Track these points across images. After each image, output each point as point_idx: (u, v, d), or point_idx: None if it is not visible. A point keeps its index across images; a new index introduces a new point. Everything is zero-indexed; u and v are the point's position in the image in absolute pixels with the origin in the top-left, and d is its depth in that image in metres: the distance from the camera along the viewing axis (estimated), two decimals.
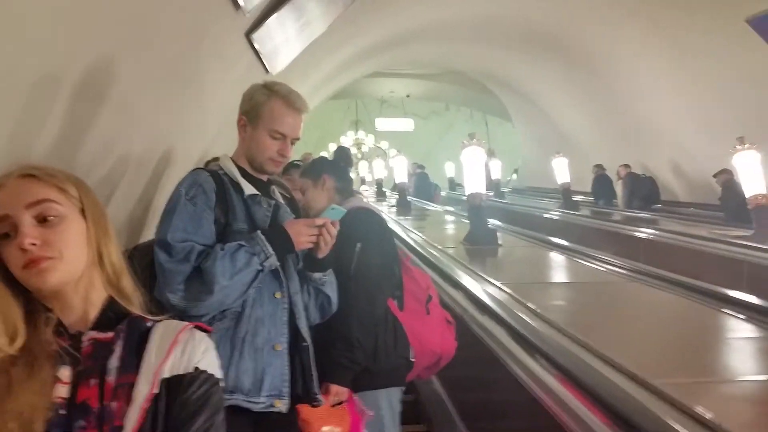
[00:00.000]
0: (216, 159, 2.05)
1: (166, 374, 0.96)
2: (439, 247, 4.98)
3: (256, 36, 3.92)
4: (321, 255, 1.74)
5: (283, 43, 4.62)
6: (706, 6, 7.00)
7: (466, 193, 5.59)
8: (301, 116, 1.78)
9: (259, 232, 1.66)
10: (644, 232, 6.90)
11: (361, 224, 2.20)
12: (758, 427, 1.75)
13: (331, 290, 1.87)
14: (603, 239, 7.23)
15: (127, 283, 1.04)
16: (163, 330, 1.01)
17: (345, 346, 2.03)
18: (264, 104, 1.74)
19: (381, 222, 2.39)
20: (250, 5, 3.36)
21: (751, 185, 6.13)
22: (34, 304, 0.97)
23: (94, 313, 1.00)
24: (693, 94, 8.42)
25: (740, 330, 2.87)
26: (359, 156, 19.44)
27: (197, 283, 1.57)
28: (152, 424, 0.93)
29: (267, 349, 1.67)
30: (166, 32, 2.65)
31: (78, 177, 1.04)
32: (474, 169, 5.45)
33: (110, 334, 0.98)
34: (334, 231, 1.71)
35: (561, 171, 9.88)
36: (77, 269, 0.98)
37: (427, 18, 9.02)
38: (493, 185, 12.93)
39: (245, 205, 1.73)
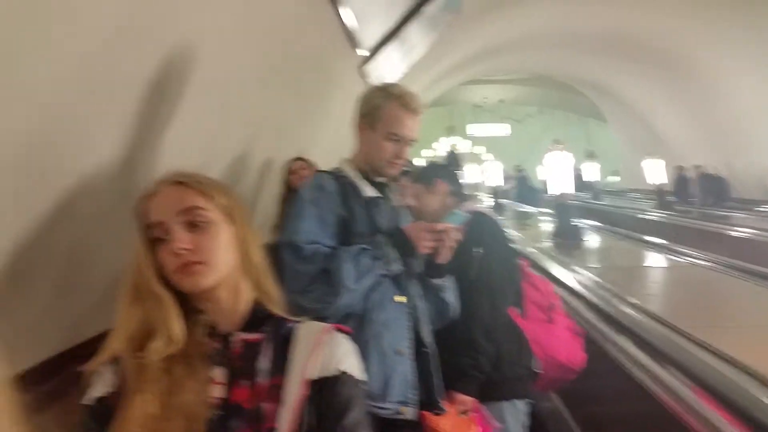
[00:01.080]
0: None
1: (312, 376, 0.98)
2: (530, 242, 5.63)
3: (367, 68, 4.73)
4: (441, 260, 1.69)
5: (389, 69, 5.42)
6: None
7: (550, 194, 6.18)
8: (417, 117, 1.74)
9: (381, 235, 1.65)
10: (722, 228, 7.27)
11: (481, 228, 2.15)
12: None
13: (451, 296, 1.83)
14: (684, 234, 7.48)
15: (270, 283, 1.07)
16: (305, 331, 1.03)
17: (469, 353, 1.98)
18: (381, 107, 1.71)
19: (499, 226, 2.31)
20: (365, 46, 4.17)
21: None
22: (187, 306, 1.00)
23: (242, 314, 1.02)
24: None
25: None
26: None
27: (324, 285, 1.56)
28: (300, 425, 0.94)
29: (391, 353, 1.62)
30: (301, 67, 3.49)
31: (224, 183, 1.08)
32: (559, 172, 6.03)
33: (258, 335, 1.01)
34: (456, 236, 1.67)
35: (653, 172, 10.03)
36: (225, 272, 1.01)
37: (522, 28, 9.51)
38: (587, 187, 13.15)
39: (366, 208, 1.71)
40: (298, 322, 1.05)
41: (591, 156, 18.98)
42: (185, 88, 1.88)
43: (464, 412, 1.92)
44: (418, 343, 1.69)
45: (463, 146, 20.53)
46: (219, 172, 2.65)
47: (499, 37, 9.60)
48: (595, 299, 3.27)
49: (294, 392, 0.95)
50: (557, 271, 4.17)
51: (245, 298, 1.03)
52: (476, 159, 15.49)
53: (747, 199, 10.35)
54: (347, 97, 5.03)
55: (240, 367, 0.97)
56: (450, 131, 21.11)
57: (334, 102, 4.73)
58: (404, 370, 1.63)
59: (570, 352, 2.28)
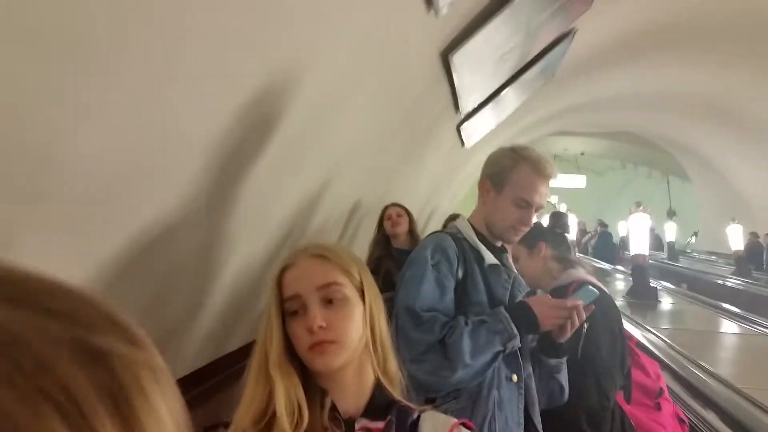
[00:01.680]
0: (454, 218, 2.11)
1: None
2: None
3: (463, 126, 5.24)
4: (563, 339, 1.58)
5: (480, 125, 5.87)
6: None
7: (631, 254, 6.44)
8: (548, 183, 1.65)
9: (502, 308, 1.55)
10: None
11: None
12: None
13: (565, 378, 1.70)
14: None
15: (393, 365, 1.03)
16: (431, 423, 1.00)
17: None
18: (511, 169, 1.64)
19: (608, 299, 2.13)
20: (465, 109, 4.68)
21: None
22: (311, 384, 0.98)
23: (364, 398, 0.99)
24: None
25: None
26: None
27: (439, 356, 1.47)
28: None
29: None
30: (413, 130, 4.00)
31: (358, 257, 1.06)
32: (639, 233, 6.30)
33: (381, 424, 0.97)
34: (584, 316, 1.55)
35: (735, 238, 9.99)
36: (356, 351, 0.98)
37: (607, 90, 9.82)
38: (665, 247, 13.08)
39: (484, 275, 1.63)
40: (423, 411, 1.01)
41: (672, 214, 18.70)
42: (329, 143, 2.33)
43: None
44: (529, 426, 1.60)
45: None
46: (329, 216, 2.96)
47: (586, 96, 9.97)
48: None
49: None
50: (629, 328, 4.47)
51: (368, 380, 1.00)
52: (551, 209, 15.53)
53: None
54: (442, 153, 5.57)
55: None
56: None
57: (430, 158, 5.25)
58: None
59: None
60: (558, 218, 2.35)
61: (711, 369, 3.35)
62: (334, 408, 0.96)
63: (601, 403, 1.91)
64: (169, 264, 1.66)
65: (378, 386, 1.00)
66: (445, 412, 1.24)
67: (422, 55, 2.95)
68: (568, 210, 15.74)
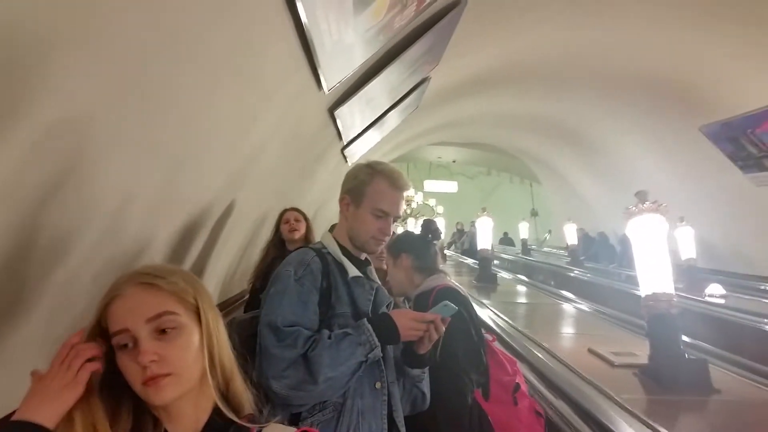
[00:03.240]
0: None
1: None
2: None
3: (347, 150, 6.55)
4: (422, 351, 1.64)
5: (361, 145, 7.13)
6: (676, 115, 8.97)
7: (478, 248, 8.14)
8: (403, 194, 1.74)
9: (365, 320, 1.58)
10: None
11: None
12: None
13: (427, 386, 1.78)
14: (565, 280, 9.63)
15: (237, 385, 1.01)
16: None
17: None
18: (368, 183, 1.72)
19: (466, 303, 2.22)
20: (346, 138, 6.03)
21: None
22: (140, 411, 0.94)
23: (201, 423, 0.97)
24: (669, 175, 10.60)
25: None
26: (408, 212, 21.38)
27: (302, 371, 1.46)
28: None
29: None
30: (309, 158, 5.29)
31: (193, 276, 1.01)
32: (484, 232, 8.03)
33: None
34: (443, 329, 1.60)
35: (570, 234, 12.22)
36: (193, 381, 0.95)
37: (469, 110, 11.61)
38: (520, 243, 15.28)
39: (348, 287, 1.67)
40: (262, 428, 0.98)
41: (535, 213, 21.13)
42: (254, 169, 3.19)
43: None
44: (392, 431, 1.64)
45: (417, 198, 22.43)
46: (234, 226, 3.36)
47: (451, 116, 11.79)
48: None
49: None
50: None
51: (207, 404, 0.98)
52: (430, 211, 17.09)
53: None
54: (330, 169, 6.89)
55: None
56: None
57: (320, 173, 6.51)
58: None
59: None
60: (428, 226, 2.44)
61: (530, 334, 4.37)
62: None
63: (460, 403, 1.97)
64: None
65: (216, 410, 0.98)
66: (312, 424, 1.34)
67: (316, 113, 4.18)
68: (443, 213, 17.36)
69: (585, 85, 8.84)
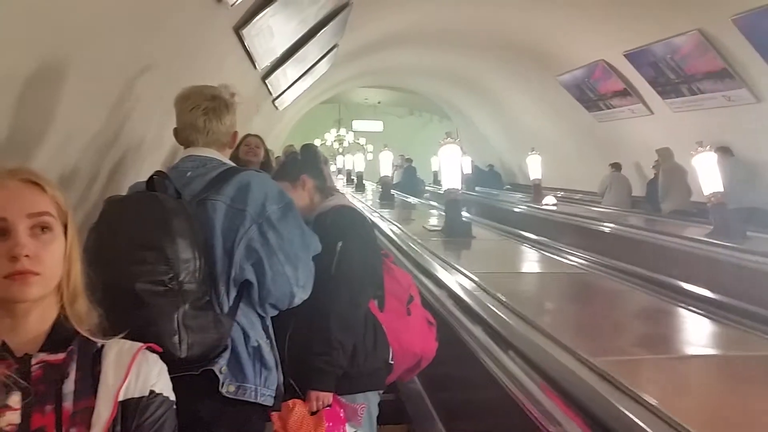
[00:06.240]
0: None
1: (123, 397, 0.94)
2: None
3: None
4: None
5: (292, 91, 7.96)
6: (538, 69, 11.32)
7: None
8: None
9: None
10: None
11: (343, 222, 2.14)
12: None
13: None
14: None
15: (82, 305, 1.00)
16: (116, 351, 0.98)
17: (325, 349, 1.95)
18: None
19: (363, 220, 2.30)
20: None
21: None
22: None
23: (43, 333, 0.95)
24: (537, 115, 13.40)
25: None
26: (340, 150, 22.13)
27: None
28: None
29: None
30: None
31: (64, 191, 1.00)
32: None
33: (61, 356, 0.93)
34: None
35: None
36: (52, 287, 0.95)
37: (388, 61, 13.25)
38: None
39: None
40: (107, 341, 1.00)
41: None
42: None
43: (315, 412, 1.92)
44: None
45: (348, 137, 23.28)
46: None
47: (374, 65, 13.54)
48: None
49: (104, 415, 0.91)
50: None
51: (50, 316, 0.96)
52: (361, 149, 15.65)
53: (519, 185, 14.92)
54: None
55: (42, 391, 0.90)
56: (338, 123, 23.77)
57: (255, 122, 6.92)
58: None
59: (424, 342, 2.30)
60: (309, 150, 2.47)
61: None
62: (5, 346, 0.91)
63: (352, 312, 2.05)
64: None
65: (59, 321, 0.97)
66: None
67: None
68: (373, 150, 17.76)
69: (480, 46, 11.34)
